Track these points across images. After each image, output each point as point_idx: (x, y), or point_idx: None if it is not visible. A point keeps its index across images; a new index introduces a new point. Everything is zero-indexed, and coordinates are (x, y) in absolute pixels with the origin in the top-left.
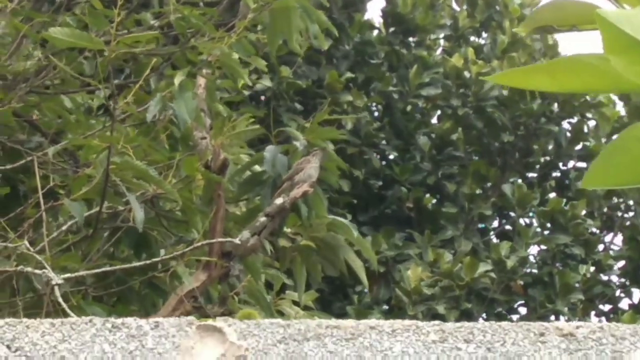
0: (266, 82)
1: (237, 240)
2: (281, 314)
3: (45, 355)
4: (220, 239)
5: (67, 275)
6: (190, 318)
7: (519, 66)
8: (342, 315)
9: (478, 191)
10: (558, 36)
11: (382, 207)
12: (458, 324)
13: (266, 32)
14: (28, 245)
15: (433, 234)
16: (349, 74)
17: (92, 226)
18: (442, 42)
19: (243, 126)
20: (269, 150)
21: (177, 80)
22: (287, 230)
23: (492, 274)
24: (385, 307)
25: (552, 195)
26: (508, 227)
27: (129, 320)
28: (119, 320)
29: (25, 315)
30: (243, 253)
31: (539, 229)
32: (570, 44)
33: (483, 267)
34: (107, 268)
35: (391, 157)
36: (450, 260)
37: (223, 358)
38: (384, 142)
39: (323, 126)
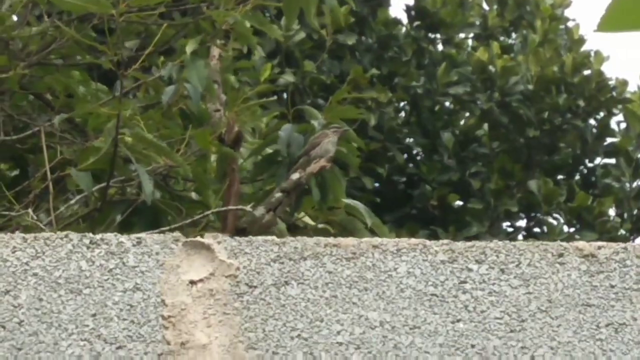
0: (289, 77)
1: (248, 208)
2: None
3: (16, 272)
4: (232, 207)
5: None
6: (176, 234)
7: (544, 61)
8: None
9: (504, 188)
10: (583, 31)
11: (407, 206)
12: (469, 243)
13: (283, 2)
14: (33, 214)
15: (458, 231)
16: (373, 70)
17: (100, 199)
18: (470, 41)
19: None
20: (285, 129)
21: (188, 49)
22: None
23: None
24: None
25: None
26: (536, 229)
27: (109, 236)
28: (98, 236)
29: None
30: (258, 229)
31: (565, 227)
32: (594, 38)
33: None
34: None
35: (416, 155)
36: None
37: (212, 277)
38: (408, 138)
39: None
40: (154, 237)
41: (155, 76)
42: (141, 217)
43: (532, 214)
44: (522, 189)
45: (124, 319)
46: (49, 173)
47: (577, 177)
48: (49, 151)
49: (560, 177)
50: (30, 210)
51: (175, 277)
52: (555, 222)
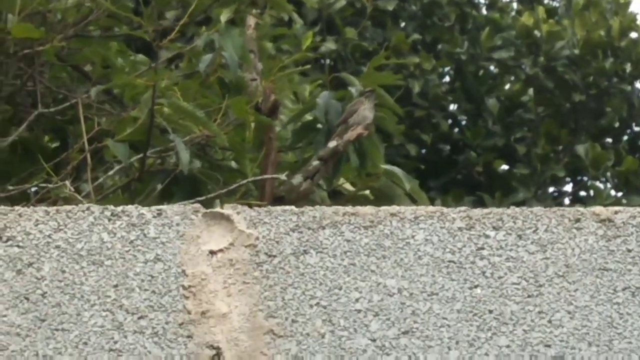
0: (330, 45)
1: (283, 176)
2: None
3: (39, 245)
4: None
5: None
6: (196, 205)
7: (590, 25)
8: None
9: (550, 153)
10: None
11: (452, 172)
12: (486, 210)
13: None
14: (70, 186)
15: (504, 197)
16: (415, 35)
17: (139, 169)
18: (515, 5)
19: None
20: (322, 97)
21: (223, 18)
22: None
23: None
24: None
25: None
26: (582, 192)
27: (130, 208)
28: (119, 208)
29: None
30: (296, 197)
31: (613, 191)
32: None
33: None
34: None
35: (461, 121)
36: None
37: (231, 247)
38: (452, 105)
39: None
40: (174, 209)
41: (192, 46)
42: (180, 187)
43: (579, 179)
44: (568, 154)
45: (145, 290)
46: (86, 144)
47: (624, 141)
48: (87, 122)
49: (606, 141)
50: (67, 183)
51: (195, 248)
52: (602, 187)
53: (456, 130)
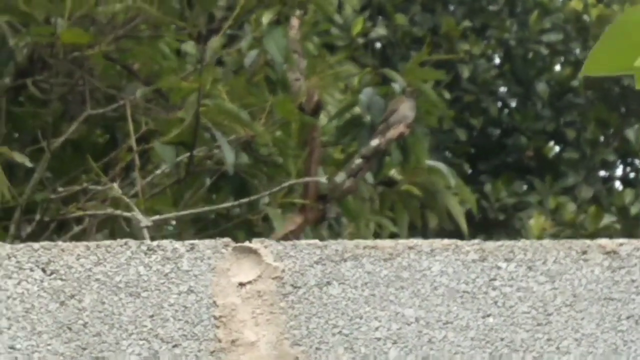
0: (381, 31)
1: (324, 179)
2: None
3: (80, 278)
4: (311, 179)
5: (156, 217)
6: (226, 240)
7: None
8: None
9: (600, 137)
10: None
11: (502, 155)
12: (499, 243)
13: None
14: (117, 188)
15: (554, 181)
16: (466, 22)
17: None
18: None
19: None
20: (365, 93)
21: (265, 19)
22: (389, 174)
23: (617, 226)
24: None
25: None
26: (632, 174)
27: (165, 242)
28: (155, 243)
29: None
30: (339, 195)
31: None
32: None
33: (608, 219)
34: (198, 209)
35: (511, 104)
36: (574, 210)
37: (259, 279)
38: (502, 89)
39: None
40: (206, 243)
41: (236, 48)
42: (228, 182)
43: (629, 161)
44: (618, 138)
45: (179, 320)
46: (134, 145)
47: None
48: (135, 122)
49: None
50: (115, 185)
51: (225, 280)
52: None
53: (506, 112)
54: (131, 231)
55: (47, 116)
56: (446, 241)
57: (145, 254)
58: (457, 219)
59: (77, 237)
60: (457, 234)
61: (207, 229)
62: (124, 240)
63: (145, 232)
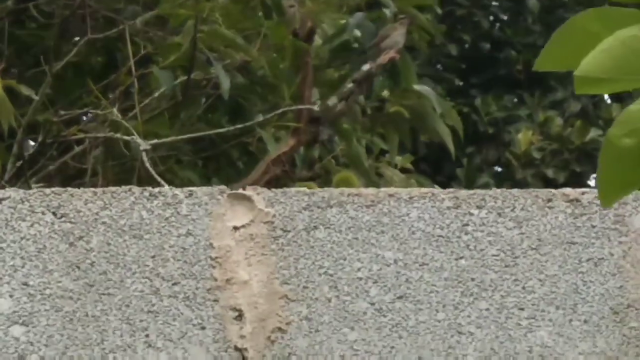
0: None
1: (316, 107)
2: (380, 176)
3: (88, 221)
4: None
5: (155, 141)
6: (222, 187)
7: None
8: (452, 177)
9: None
10: None
11: (493, 69)
12: (471, 192)
13: None
14: (117, 112)
15: (543, 95)
16: None
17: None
18: None
19: None
20: (356, 18)
21: None
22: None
23: (603, 139)
24: (498, 168)
25: None
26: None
27: (165, 189)
28: (156, 189)
29: (118, 180)
30: (331, 118)
31: None
32: None
33: (594, 132)
34: (197, 134)
35: (503, 18)
36: (561, 123)
37: (252, 223)
38: (493, 3)
39: None
40: (204, 190)
41: None
42: (224, 103)
43: None
44: None
45: (178, 260)
46: (133, 69)
47: None
48: (134, 46)
49: None
50: (115, 110)
51: (221, 224)
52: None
53: (497, 26)
54: (130, 154)
55: (48, 39)
56: (423, 190)
57: (148, 199)
58: (444, 140)
59: (78, 158)
60: (446, 148)
61: (205, 150)
62: (127, 187)
63: (144, 156)
